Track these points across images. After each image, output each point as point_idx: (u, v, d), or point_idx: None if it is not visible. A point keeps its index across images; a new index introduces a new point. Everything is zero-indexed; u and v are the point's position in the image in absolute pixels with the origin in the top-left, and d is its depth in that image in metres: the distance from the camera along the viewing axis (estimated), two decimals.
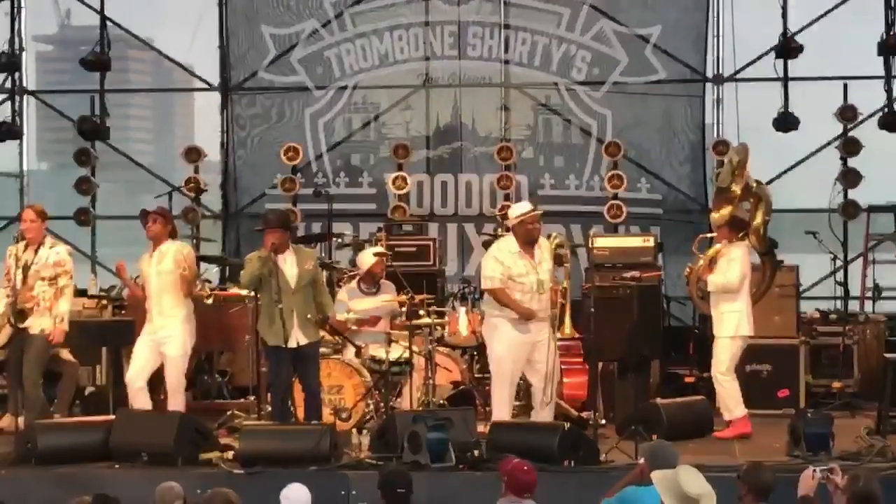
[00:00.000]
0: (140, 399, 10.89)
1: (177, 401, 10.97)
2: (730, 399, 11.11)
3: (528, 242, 10.63)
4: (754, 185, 11.39)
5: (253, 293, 11.08)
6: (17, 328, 10.64)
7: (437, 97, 16.43)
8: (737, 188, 11.22)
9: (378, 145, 16.55)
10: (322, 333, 11.03)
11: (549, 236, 10.96)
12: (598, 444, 10.13)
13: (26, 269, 10.67)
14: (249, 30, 16.48)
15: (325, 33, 16.37)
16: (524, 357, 10.62)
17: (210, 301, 11.75)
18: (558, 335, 10.74)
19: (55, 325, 10.80)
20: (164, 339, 10.88)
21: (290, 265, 10.50)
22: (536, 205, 11.06)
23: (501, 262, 10.59)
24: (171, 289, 10.84)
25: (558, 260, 10.86)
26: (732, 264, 11.13)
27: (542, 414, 10.63)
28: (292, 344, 10.43)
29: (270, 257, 10.36)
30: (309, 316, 10.54)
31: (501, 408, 10.65)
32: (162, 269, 10.88)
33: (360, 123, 16.55)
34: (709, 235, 11.81)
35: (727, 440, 10.91)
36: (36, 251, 10.82)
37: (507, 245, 10.73)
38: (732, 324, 11.13)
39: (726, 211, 11.26)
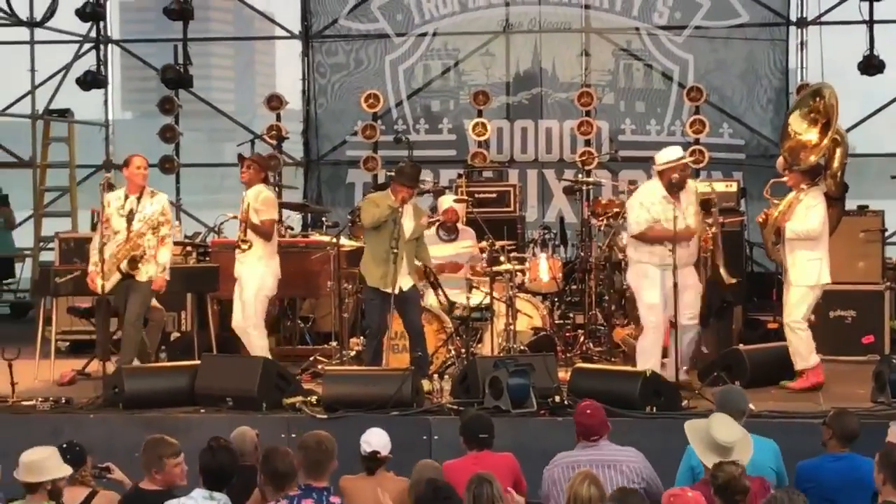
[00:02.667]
0: (247, 339, 11.11)
1: (247, 340, 11.09)
2: (804, 348, 10.75)
3: (674, 188, 10.47)
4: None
5: (335, 239, 11.21)
6: (126, 275, 10.65)
7: (518, 43, 16.38)
8: (822, 137, 10.88)
9: (458, 92, 16.55)
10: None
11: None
12: (679, 390, 10.10)
13: (131, 217, 10.61)
14: None
15: None
16: (673, 303, 10.43)
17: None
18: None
19: (158, 274, 10.79)
20: (238, 279, 11.07)
21: (408, 217, 10.73)
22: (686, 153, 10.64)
23: (648, 208, 10.44)
24: (244, 232, 10.98)
25: (706, 205, 10.72)
26: (812, 210, 10.74)
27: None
28: (396, 290, 10.54)
29: (399, 210, 10.53)
30: (409, 271, 10.74)
31: (648, 357, 10.51)
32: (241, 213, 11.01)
33: (439, 70, 16.55)
34: (781, 180, 11.52)
35: (805, 390, 10.69)
36: (139, 199, 10.73)
37: (654, 189, 10.54)
38: (814, 272, 10.73)
39: (812, 159, 10.92)
